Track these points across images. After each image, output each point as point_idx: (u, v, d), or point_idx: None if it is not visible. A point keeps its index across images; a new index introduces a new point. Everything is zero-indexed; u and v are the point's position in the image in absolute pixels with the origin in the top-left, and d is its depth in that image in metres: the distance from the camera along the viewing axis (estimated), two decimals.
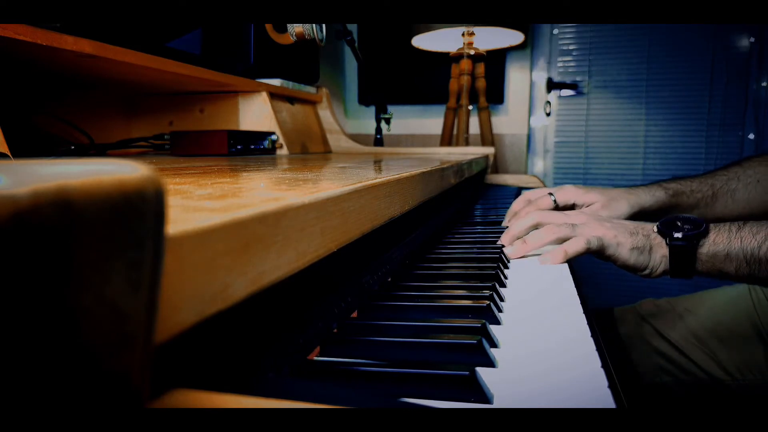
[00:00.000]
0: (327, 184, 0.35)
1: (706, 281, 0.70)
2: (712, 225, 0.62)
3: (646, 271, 0.63)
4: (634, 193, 0.83)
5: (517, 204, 0.84)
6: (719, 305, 0.88)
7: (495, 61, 2.07)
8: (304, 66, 1.33)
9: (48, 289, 0.11)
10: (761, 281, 0.61)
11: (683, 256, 0.61)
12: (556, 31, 2.16)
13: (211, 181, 0.36)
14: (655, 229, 0.63)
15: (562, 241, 0.63)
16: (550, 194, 0.82)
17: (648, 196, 0.83)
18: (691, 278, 0.63)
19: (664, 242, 0.62)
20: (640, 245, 0.62)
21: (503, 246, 0.66)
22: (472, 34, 1.78)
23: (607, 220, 0.65)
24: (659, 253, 0.62)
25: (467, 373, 0.28)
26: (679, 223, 0.62)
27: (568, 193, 0.82)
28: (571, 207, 0.82)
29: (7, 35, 0.55)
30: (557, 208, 0.82)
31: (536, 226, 0.68)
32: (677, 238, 0.61)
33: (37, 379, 0.12)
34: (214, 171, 0.48)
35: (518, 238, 0.67)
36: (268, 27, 1.11)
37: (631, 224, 0.65)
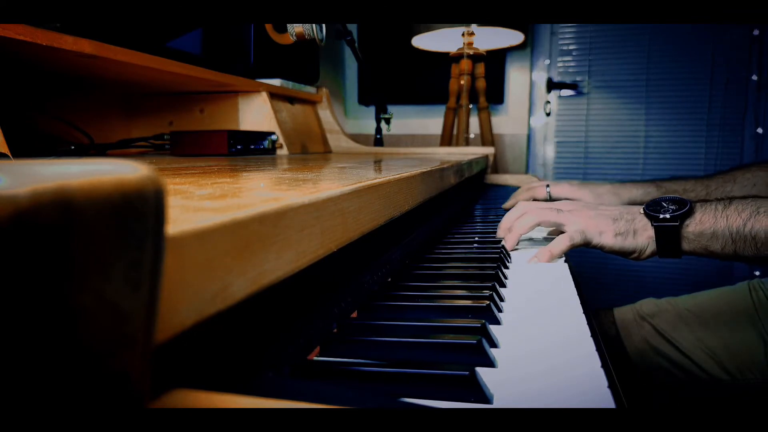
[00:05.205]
0: (327, 184, 0.35)
1: (706, 282, 0.71)
2: (697, 204, 0.63)
3: (634, 254, 0.64)
4: (626, 187, 0.88)
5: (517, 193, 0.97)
6: (719, 305, 0.88)
7: (495, 61, 2.07)
8: (304, 66, 1.33)
9: (48, 289, 0.11)
10: (745, 258, 0.61)
11: (670, 236, 0.62)
12: (556, 31, 2.16)
13: (211, 181, 0.36)
14: (641, 212, 0.64)
15: (548, 225, 0.67)
16: (547, 185, 0.91)
17: (639, 191, 0.87)
18: (680, 257, 0.64)
19: (649, 224, 0.63)
20: (623, 230, 0.64)
21: (502, 238, 0.69)
22: (472, 34, 1.77)
23: (592, 208, 0.67)
24: (644, 236, 0.63)
25: (467, 373, 0.28)
26: (665, 204, 0.63)
27: (561, 189, 0.90)
28: None
29: (7, 35, 0.55)
30: (551, 199, 0.90)
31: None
32: (663, 218, 0.62)
33: (38, 379, 0.12)
34: (214, 171, 0.48)
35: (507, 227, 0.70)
36: (268, 27, 1.11)
37: (615, 210, 0.66)
